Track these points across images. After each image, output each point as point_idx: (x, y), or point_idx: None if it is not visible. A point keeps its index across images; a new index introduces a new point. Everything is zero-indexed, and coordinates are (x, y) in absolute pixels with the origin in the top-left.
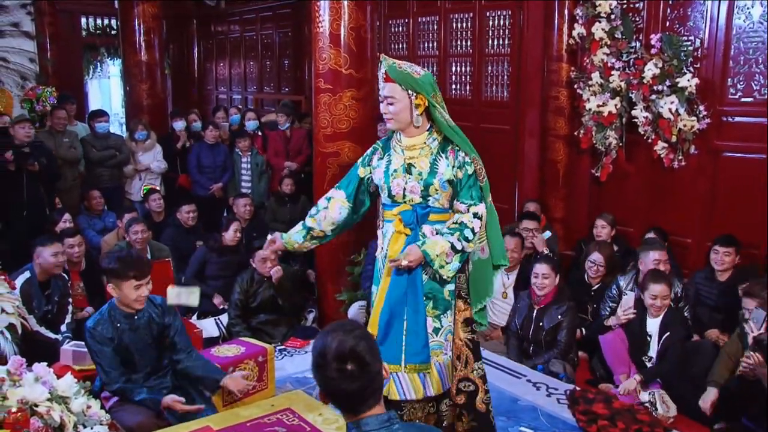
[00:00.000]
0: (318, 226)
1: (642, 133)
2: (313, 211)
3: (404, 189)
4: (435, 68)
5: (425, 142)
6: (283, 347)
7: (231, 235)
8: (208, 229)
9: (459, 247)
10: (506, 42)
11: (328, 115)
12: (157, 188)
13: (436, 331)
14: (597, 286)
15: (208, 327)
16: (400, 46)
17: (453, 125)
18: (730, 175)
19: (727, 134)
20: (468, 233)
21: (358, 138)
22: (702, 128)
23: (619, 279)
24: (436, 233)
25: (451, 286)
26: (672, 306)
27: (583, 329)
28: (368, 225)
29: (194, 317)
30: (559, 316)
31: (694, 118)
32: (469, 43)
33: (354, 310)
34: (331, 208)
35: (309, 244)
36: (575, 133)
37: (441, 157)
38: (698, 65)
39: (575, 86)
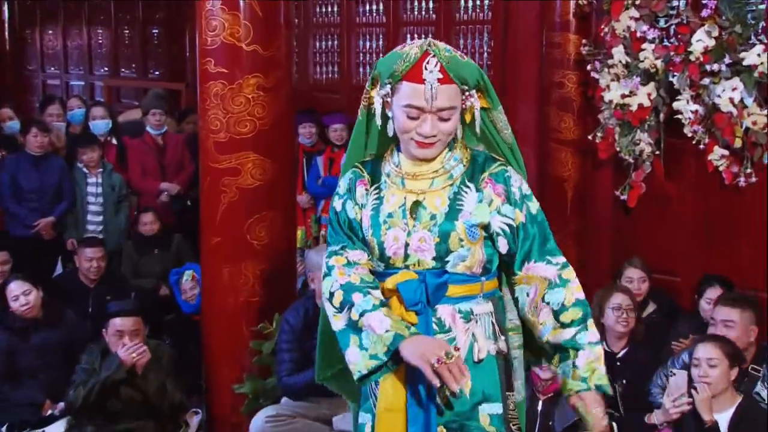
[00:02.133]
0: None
1: (690, 135)
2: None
3: (406, 245)
4: (381, 42)
5: (443, 165)
6: None
7: (14, 303)
8: None
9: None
10: (485, 4)
11: (222, 112)
12: None
13: None
14: (623, 352)
15: None
16: (329, 9)
17: (513, 142)
18: None
19: None
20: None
21: (267, 147)
22: None
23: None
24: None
25: (495, 408)
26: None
27: (615, 425)
28: (283, 275)
29: None
30: None
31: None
32: (431, 6)
33: (259, 423)
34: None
35: None
36: (589, 137)
37: (467, 188)
38: None
39: (588, 68)
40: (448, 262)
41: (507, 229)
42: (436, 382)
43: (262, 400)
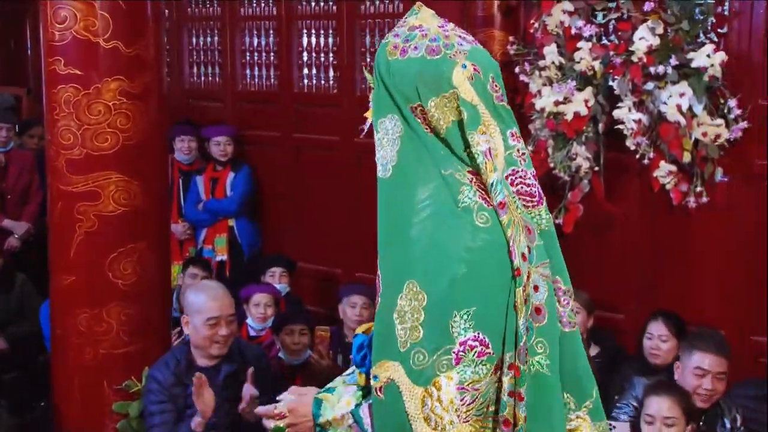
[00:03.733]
0: None
1: (632, 148)
2: None
3: None
4: (272, 39)
5: None
6: None
7: None
8: None
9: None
10: None
11: (76, 123)
12: None
13: None
14: None
15: None
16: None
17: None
18: None
19: None
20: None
21: (133, 165)
22: (734, 138)
23: (635, 383)
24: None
25: None
26: None
27: None
28: (155, 321)
29: None
30: None
31: (720, 121)
32: None
33: None
34: None
35: None
36: None
37: None
38: (725, 30)
39: (516, 70)
40: None
41: None
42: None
43: None
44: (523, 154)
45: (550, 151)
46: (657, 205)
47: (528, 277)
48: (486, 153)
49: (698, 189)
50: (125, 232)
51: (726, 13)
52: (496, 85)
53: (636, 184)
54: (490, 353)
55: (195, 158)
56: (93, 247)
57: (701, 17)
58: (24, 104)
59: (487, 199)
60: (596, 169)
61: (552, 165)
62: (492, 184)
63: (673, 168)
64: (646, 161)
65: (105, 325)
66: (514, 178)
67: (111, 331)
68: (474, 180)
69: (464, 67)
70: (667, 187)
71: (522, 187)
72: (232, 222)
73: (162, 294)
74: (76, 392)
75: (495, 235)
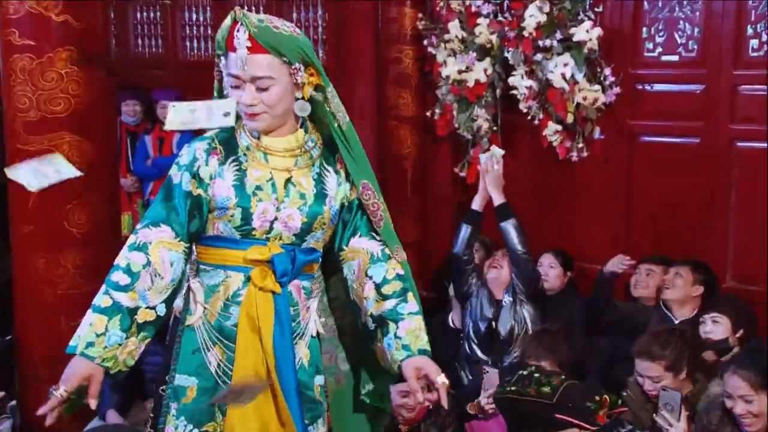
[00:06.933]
0: (144, 302)
1: (525, 110)
2: (122, 279)
3: (275, 219)
4: (209, 15)
5: (303, 146)
6: None
7: None
8: None
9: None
10: None
11: (31, 89)
12: None
13: None
14: None
15: None
16: None
17: (349, 122)
18: (653, 168)
19: (644, 109)
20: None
21: (84, 126)
22: (609, 102)
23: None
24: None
25: (321, 380)
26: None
27: None
28: (108, 264)
29: None
30: None
31: (597, 87)
32: None
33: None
34: (158, 262)
35: (140, 343)
36: (428, 114)
37: (328, 171)
38: (600, 9)
39: (425, 43)
40: (305, 240)
41: (345, 204)
42: None
43: (85, 401)
44: None
45: (454, 113)
46: (546, 159)
47: None
48: None
49: (580, 145)
50: (79, 186)
51: None
52: None
53: (528, 141)
54: None
55: (140, 120)
56: (49, 200)
57: None
58: None
59: None
60: (494, 128)
61: (457, 125)
62: None
63: (559, 127)
64: (536, 122)
65: (62, 269)
66: None
67: (67, 274)
68: None
69: None
70: (554, 143)
71: None
72: None
73: (113, 241)
74: (37, 329)
75: None
